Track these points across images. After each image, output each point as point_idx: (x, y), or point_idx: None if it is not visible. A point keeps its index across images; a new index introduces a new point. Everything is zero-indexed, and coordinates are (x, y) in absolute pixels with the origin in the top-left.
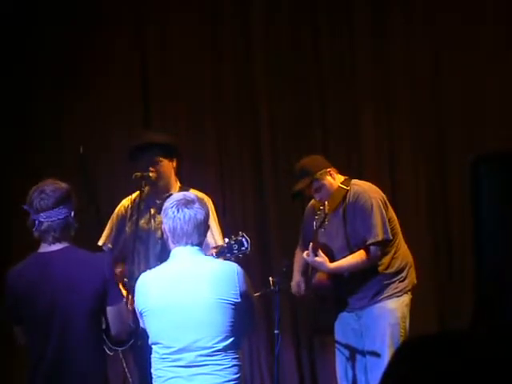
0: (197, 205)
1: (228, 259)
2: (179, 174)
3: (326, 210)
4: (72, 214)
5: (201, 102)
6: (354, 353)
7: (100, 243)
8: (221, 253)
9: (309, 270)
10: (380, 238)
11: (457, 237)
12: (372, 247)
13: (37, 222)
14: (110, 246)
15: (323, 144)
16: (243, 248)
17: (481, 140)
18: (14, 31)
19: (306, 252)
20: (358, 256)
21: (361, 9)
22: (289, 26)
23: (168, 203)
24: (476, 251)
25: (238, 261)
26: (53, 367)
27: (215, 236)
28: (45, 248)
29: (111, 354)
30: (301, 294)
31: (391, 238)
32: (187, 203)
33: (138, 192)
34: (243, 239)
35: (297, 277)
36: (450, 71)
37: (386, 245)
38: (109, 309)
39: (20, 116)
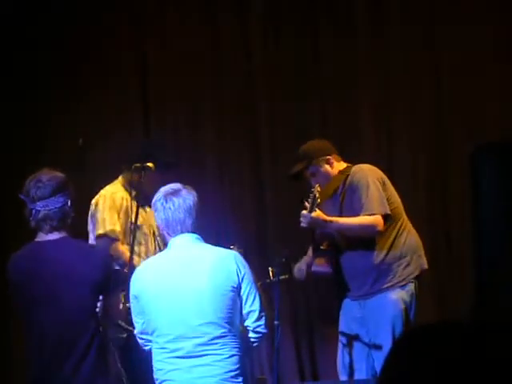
0: (183, 192)
1: None
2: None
3: (316, 193)
4: (69, 202)
5: (201, 102)
6: (356, 341)
7: (117, 229)
8: None
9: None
10: (376, 211)
11: (455, 228)
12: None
13: (34, 211)
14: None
15: None
16: None
17: (481, 140)
18: (13, 31)
19: (303, 212)
20: (358, 218)
21: (361, 9)
22: (289, 26)
23: (156, 197)
24: (475, 239)
25: None
26: (50, 360)
27: None
28: (42, 237)
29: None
30: (302, 279)
31: (389, 212)
32: (174, 193)
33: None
34: None
35: (302, 263)
36: (450, 71)
37: (385, 220)
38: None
39: (20, 116)
